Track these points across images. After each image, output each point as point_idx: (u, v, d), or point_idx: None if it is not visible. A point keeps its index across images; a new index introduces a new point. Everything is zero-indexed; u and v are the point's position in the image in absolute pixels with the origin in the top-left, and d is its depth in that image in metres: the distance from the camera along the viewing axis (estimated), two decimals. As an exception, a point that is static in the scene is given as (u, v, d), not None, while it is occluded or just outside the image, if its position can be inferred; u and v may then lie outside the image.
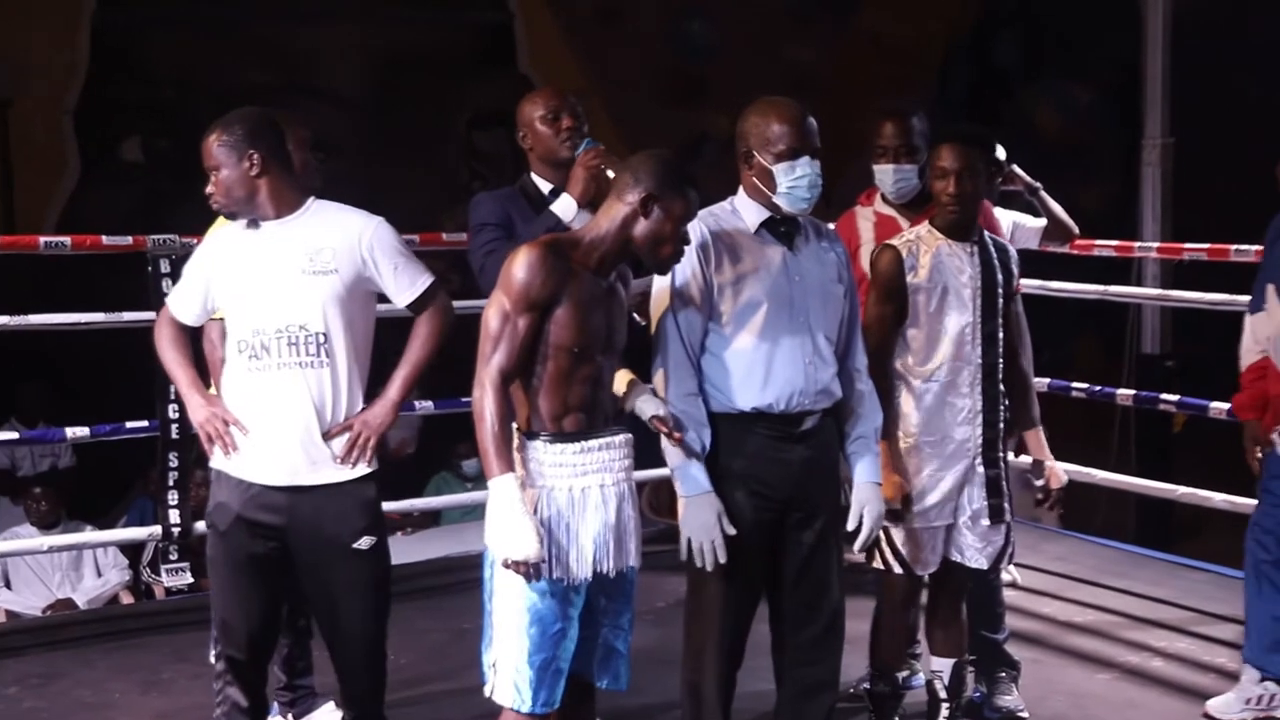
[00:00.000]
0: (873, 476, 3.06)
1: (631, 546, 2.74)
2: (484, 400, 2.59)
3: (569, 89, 3.56)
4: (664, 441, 2.92)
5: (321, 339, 2.89)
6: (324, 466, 2.91)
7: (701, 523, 2.90)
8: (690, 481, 2.91)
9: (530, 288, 2.61)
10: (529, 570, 2.57)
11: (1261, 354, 3.65)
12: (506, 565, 2.58)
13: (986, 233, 3.34)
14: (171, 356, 3.06)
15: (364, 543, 2.94)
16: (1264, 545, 3.66)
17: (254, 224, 2.96)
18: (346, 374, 2.92)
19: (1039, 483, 3.31)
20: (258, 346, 2.90)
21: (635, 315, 3.23)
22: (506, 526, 2.55)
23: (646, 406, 2.84)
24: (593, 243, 2.70)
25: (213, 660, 3.53)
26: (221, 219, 3.21)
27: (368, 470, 2.95)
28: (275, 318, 2.89)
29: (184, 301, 3.05)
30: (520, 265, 2.62)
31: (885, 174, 3.67)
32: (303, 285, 2.89)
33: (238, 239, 2.98)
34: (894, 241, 3.29)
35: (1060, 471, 3.33)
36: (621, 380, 2.88)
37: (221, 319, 3.08)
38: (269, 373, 2.89)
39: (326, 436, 2.90)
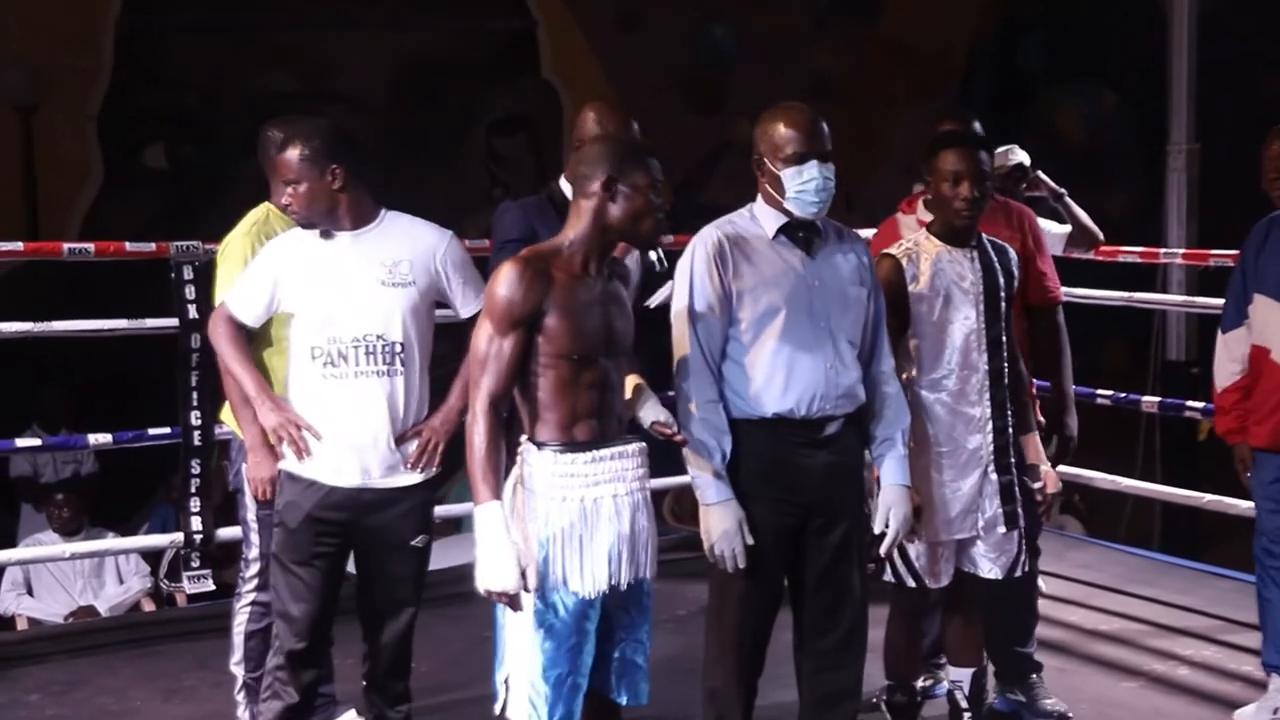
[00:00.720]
0: (900, 479, 3.04)
1: (646, 557, 2.70)
2: (473, 427, 2.59)
3: (604, 99, 3.58)
4: (685, 450, 2.91)
5: (399, 348, 3.02)
6: (396, 470, 3.05)
7: (723, 531, 2.89)
8: (711, 489, 2.90)
9: (512, 305, 2.58)
10: (509, 601, 2.56)
11: (1241, 373, 3.62)
12: (487, 595, 2.57)
13: (985, 235, 3.30)
14: (234, 356, 3.11)
15: (420, 540, 3.13)
16: (1270, 551, 3.63)
17: (327, 234, 3.03)
18: (419, 381, 3.07)
19: (1035, 486, 3.28)
20: (334, 354, 2.99)
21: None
22: (488, 556, 2.54)
23: (646, 414, 2.83)
24: (572, 246, 2.67)
25: (234, 670, 3.53)
26: (252, 220, 3.25)
27: (433, 473, 3.11)
28: (353, 327, 2.99)
29: (247, 302, 3.11)
30: (500, 283, 2.60)
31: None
32: (381, 296, 3.01)
33: (311, 247, 3.05)
34: (893, 250, 3.26)
35: (1055, 477, 3.30)
36: (630, 385, 2.86)
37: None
38: (346, 380, 3.00)
39: (399, 441, 3.04)
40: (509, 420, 2.66)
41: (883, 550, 3.07)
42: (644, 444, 2.72)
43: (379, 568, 3.14)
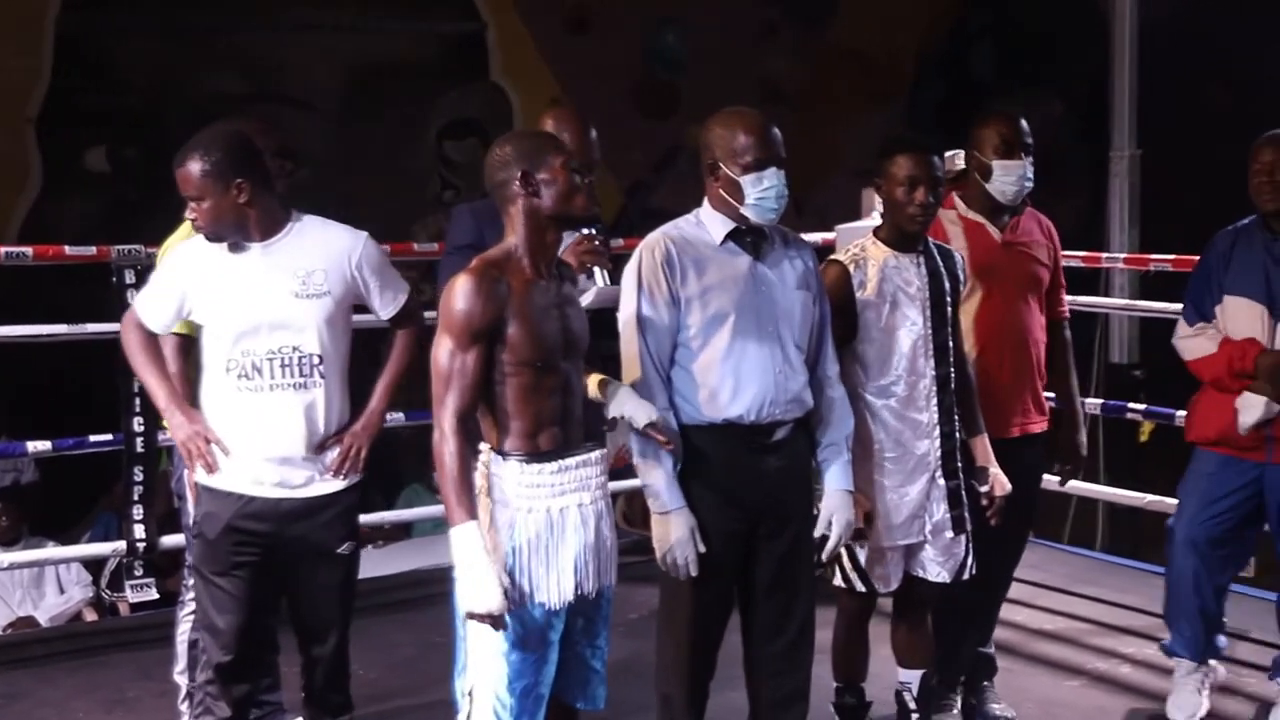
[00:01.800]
0: (843, 484, 3.05)
1: (609, 564, 2.70)
2: (442, 446, 2.54)
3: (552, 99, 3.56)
4: (635, 456, 2.91)
5: (316, 360, 2.96)
6: (315, 479, 2.99)
7: (676, 539, 2.89)
8: (664, 497, 2.90)
9: (472, 318, 2.54)
10: (494, 622, 2.53)
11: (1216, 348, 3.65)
12: (470, 617, 2.54)
13: (931, 240, 3.31)
14: (146, 365, 3.04)
15: (346, 548, 3.07)
16: (1194, 541, 3.71)
17: (237, 246, 2.95)
18: (338, 390, 3.01)
19: (983, 489, 3.30)
20: (248, 367, 2.92)
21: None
22: (469, 578, 2.51)
23: (639, 415, 2.80)
24: (518, 250, 2.64)
25: (177, 679, 3.50)
26: (184, 227, 3.19)
27: (357, 479, 3.05)
28: (267, 340, 2.92)
29: (155, 309, 3.03)
30: (457, 297, 2.55)
31: (1008, 170, 3.48)
32: (295, 309, 2.93)
33: (219, 258, 2.96)
34: (840, 256, 3.26)
35: (1004, 479, 3.31)
36: (593, 384, 2.85)
37: (179, 334, 3.08)
38: (261, 394, 2.93)
39: (318, 449, 2.97)
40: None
41: (825, 555, 3.08)
42: (605, 450, 2.70)
43: (306, 578, 3.05)
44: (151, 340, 3.04)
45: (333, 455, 2.99)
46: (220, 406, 2.97)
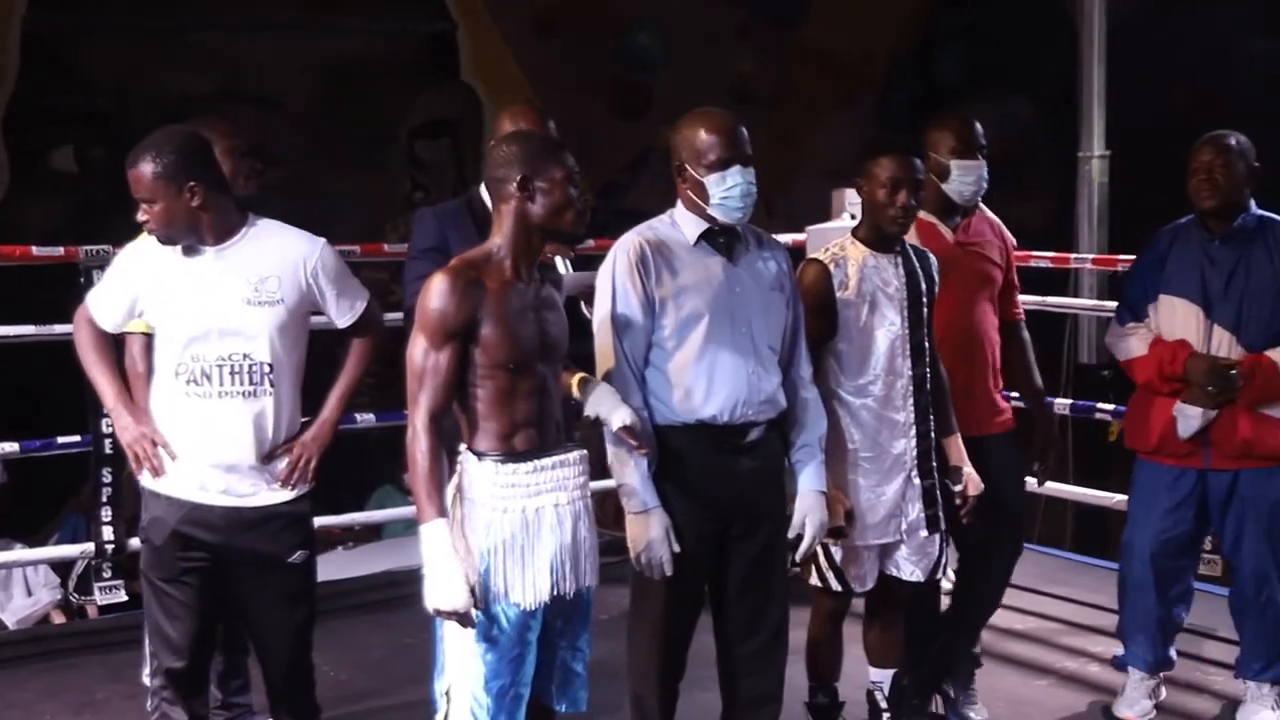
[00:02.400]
0: (816, 485, 3.06)
1: (588, 566, 2.69)
2: (414, 444, 2.55)
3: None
4: (610, 457, 2.91)
5: (267, 369, 2.90)
6: (263, 489, 2.93)
7: (651, 539, 2.89)
8: (638, 497, 2.90)
9: (446, 317, 2.54)
10: (460, 619, 2.53)
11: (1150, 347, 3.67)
12: (438, 614, 2.54)
13: (906, 241, 3.32)
14: (95, 364, 2.98)
15: (298, 557, 2.99)
16: (1154, 556, 3.73)
17: (190, 249, 2.90)
18: (289, 399, 2.95)
19: (956, 488, 3.32)
20: (198, 373, 2.88)
21: (584, 306, 3.23)
22: (436, 575, 2.51)
23: (615, 417, 2.80)
24: (500, 251, 2.64)
25: (146, 681, 3.48)
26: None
27: (306, 489, 2.98)
28: (218, 346, 2.87)
29: (106, 307, 2.98)
30: (432, 296, 2.55)
31: (966, 170, 3.50)
32: (247, 316, 2.88)
33: (173, 260, 2.91)
34: (820, 256, 3.27)
35: (977, 479, 3.33)
36: (572, 382, 2.85)
37: (145, 333, 3.02)
38: (210, 400, 2.88)
39: (267, 459, 2.92)
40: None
41: (799, 555, 3.08)
42: (584, 451, 2.69)
43: (257, 589, 2.99)
44: (102, 338, 2.98)
45: (282, 465, 2.94)
46: (168, 411, 2.92)
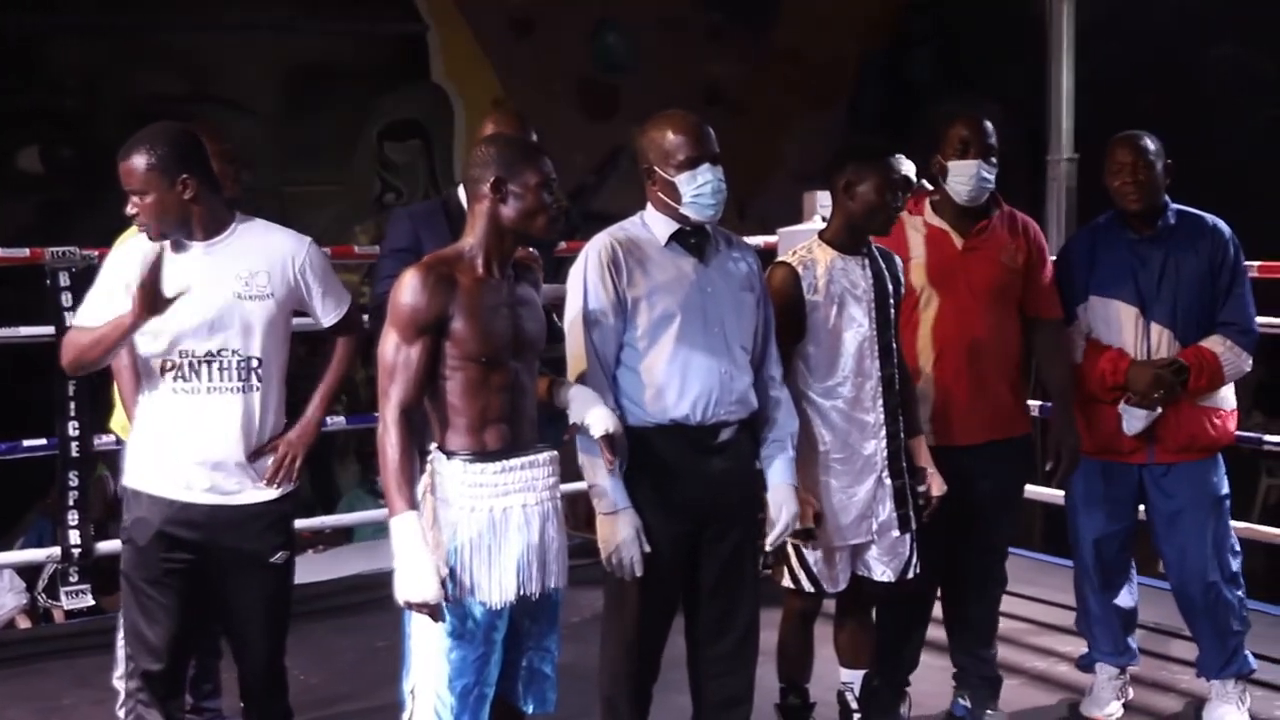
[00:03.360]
0: (789, 478, 3.07)
1: (556, 567, 2.69)
2: (385, 437, 2.57)
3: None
4: (580, 456, 2.91)
5: (255, 364, 2.90)
6: (248, 487, 2.93)
7: (622, 539, 2.89)
8: (609, 498, 2.90)
9: (417, 312, 2.56)
10: (430, 611, 2.54)
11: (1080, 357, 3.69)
12: (408, 607, 2.54)
13: (873, 242, 3.33)
14: (91, 332, 2.87)
15: (279, 557, 2.99)
16: (1101, 557, 3.78)
17: (179, 245, 2.88)
18: (276, 395, 2.95)
19: (921, 489, 3.33)
20: (185, 369, 2.86)
21: (555, 317, 3.23)
22: (406, 567, 2.52)
23: (596, 424, 2.79)
24: (473, 250, 2.66)
25: (116, 685, 3.45)
26: (132, 229, 3.14)
27: (291, 488, 2.98)
28: (207, 341, 2.86)
29: (100, 315, 2.89)
30: (404, 291, 2.58)
31: (960, 171, 3.51)
32: (237, 310, 2.88)
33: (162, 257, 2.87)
34: (788, 259, 3.29)
35: (940, 480, 3.35)
36: (541, 385, 2.84)
37: None
38: (198, 396, 2.87)
39: (253, 457, 2.91)
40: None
41: (768, 543, 3.09)
42: (555, 453, 2.70)
43: (238, 588, 2.97)
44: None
45: (267, 463, 2.93)
46: (155, 407, 2.90)
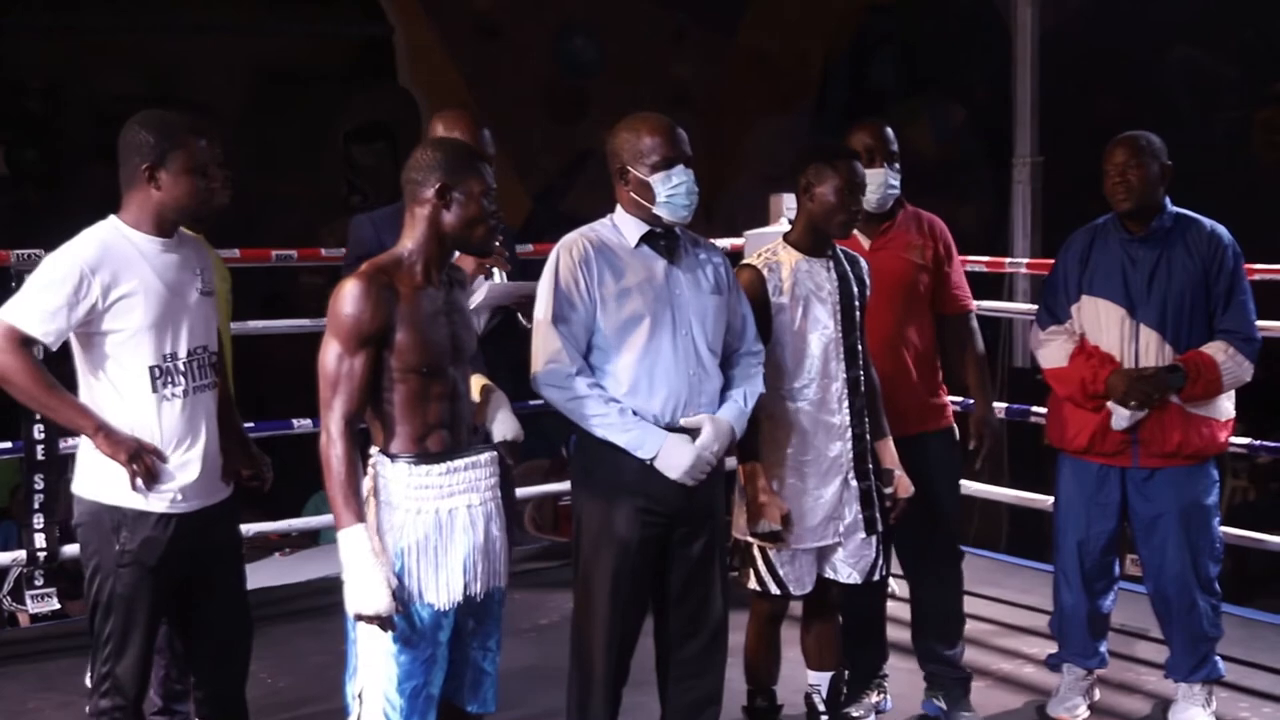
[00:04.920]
0: (729, 417, 3.03)
1: (500, 566, 2.71)
2: (330, 449, 2.55)
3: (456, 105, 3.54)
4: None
5: (215, 359, 2.94)
6: (222, 484, 2.96)
7: (693, 460, 2.93)
8: (650, 441, 2.92)
9: (360, 323, 2.55)
10: (382, 623, 2.54)
11: (1074, 352, 3.70)
12: (359, 619, 2.55)
13: (838, 245, 3.36)
14: (48, 392, 2.78)
15: (241, 548, 3.07)
16: (1090, 555, 3.79)
17: (151, 241, 2.83)
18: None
19: (888, 490, 3.35)
20: (172, 372, 2.83)
21: (520, 317, 3.23)
22: (357, 580, 2.52)
23: (498, 428, 2.83)
24: (411, 256, 2.65)
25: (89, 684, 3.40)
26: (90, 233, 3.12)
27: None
28: (188, 340, 2.86)
29: (51, 318, 2.76)
30: (345, 301, 2.56)
31: (873, 178, 3.54)
32: (202, 307, 2.90)
33: (130, 255, 2.80)
34: (754, 261, 3.31)
35: (907, 481, 3.37)
36: (476, 387, 2.85)
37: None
38: (188, 397, 2.85)
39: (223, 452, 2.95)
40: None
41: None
42: (495, 453, 2.72)
43: (223, 585, 2.99)
44: (38, 363, 2.81)
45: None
46: (143, 418, 2.82)
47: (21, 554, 4.39)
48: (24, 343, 2.75)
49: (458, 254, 2.78)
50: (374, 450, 2.64)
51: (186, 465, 2.86)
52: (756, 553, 3.26)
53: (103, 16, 8.28)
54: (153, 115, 2.87)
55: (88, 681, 3.38)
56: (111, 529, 2.83)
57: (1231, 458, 6.82)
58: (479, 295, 3.15)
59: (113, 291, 2.76)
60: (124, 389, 2.82)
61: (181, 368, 2.84)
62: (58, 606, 4.43)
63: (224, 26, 8.77)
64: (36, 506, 4.32)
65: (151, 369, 2.81)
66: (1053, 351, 3.74)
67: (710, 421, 2.99)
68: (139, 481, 2.78)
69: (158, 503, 2.84)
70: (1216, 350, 3.58)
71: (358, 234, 3.38)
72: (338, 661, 4.15)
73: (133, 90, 8.45)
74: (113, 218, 2.85)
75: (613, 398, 2.95)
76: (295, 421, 4.95)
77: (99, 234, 2.82)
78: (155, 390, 2.82)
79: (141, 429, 2.82)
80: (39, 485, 4.31)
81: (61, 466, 4.42)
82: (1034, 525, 6.89)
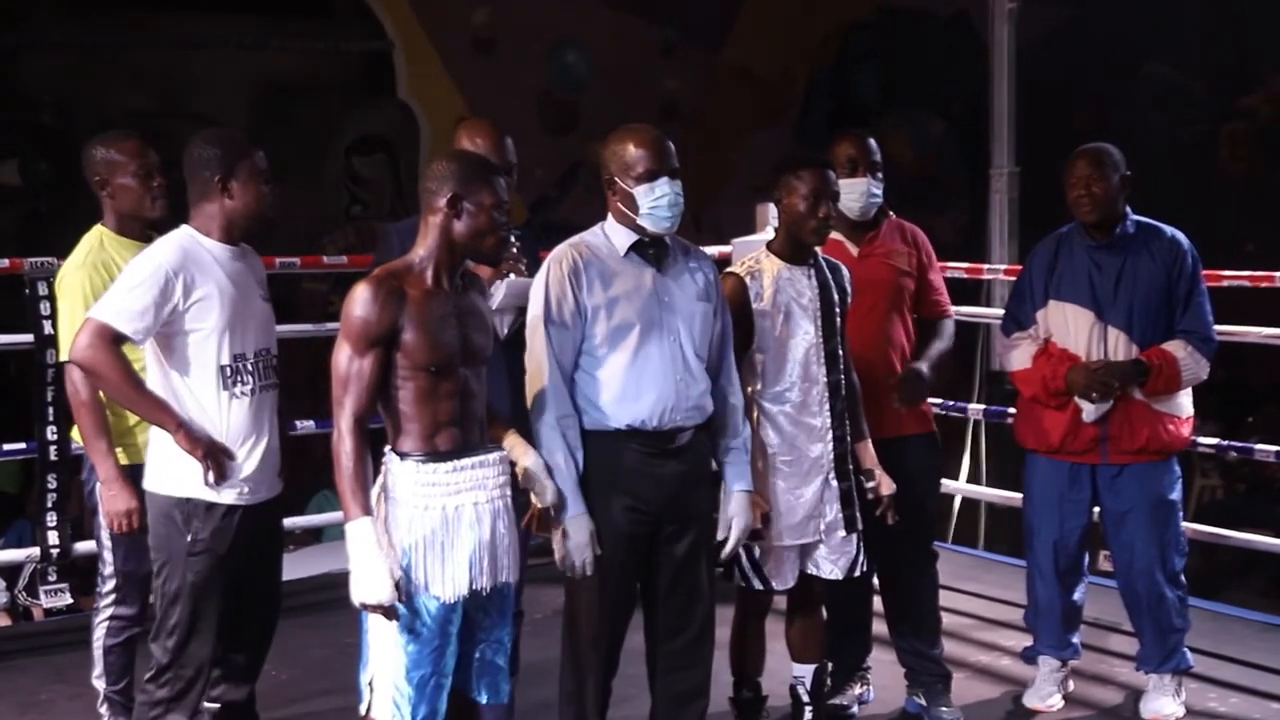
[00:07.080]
0: (744, 485, 3.15)
1: (507, 562, 2.77)
2: (339, 445, 2.65)
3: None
4: (529, 464, 2.93)
5: (275, 361, 3.08)
6: (278, 480, 3.11)
7: (575, 543, 2.98)
8: (564, 505, 2.98)
9: (368, 325, 2.64)
10: (385, 612, 2.64)
11: (1038, 354, 3.77)
12: (364, 607, 2.64)
13: (820, 253, 3.41)
14: (144, 391, 2.90)
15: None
16: (1063, 550, 3.86)
17: (222, 247, 2.99)
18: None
19: (869, 485, 3.40)
20: (242, 372, 2.96)
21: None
22: (362, 570, 2.61)
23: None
24: (422, 262, 2.73)
25: (95, 684, 3.44)
26: (86, 250, 3.24)
27: None
28: (254, 343, 3.00)
29: (140, 316, 2.86)
30: (355, 304, 2.65)
31: (851, 188, 3.61)
32: (264, 312, 3.06)
33: (204, 259, 2.94)
34: (736, 269, 3.37)
35: (889, 480, 3.41)
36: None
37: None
38: (254, 396, 2.99)
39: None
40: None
41: (724, 554, 3.17)
42: (505, 453, 2.80)
43: (269, 574, 3.18)
44: (128, 363, 2.91)
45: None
46: (216, 416, 2.96)
47: (35, 551, 4.46)
48: (115, 340, 2.86)
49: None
50: (386, 449, 2.73)
51: (251, 460, 2.98)
52: (740, 550, 3.29)
53: (113, 34, 8.36)
54: (214, 133, 3.03)
55: (93, 680, 3.47)
56: (183, 521, 2.95)
57: (1201, 458, 6.91)
58: (498, 296, 3.23)
59: (193, 293, 2.90)
60: (196, 387, 2.94)
61: (249, 368, 2.96)
62: (70, 601, 4.48)
63: (230, 43, 8.85)
64: (50, 505, 4.37)
65: (222, 368, 2.94)
66: (1019, 355, 3.82)
67: (728, 498, 3.13)
68: (210, 476, 2.90)
69: (228, 494, 2.96)
70: (1177, 348, 3.68)
71: (385, 244, 3.45)
72: (338, 655, 4.22)
73: (142, 104, 8.51)
74: (185, 226, 3.00)
75: (571, 448, 2.98)
76: (298, 423, 5.07)
77: (178, 239, 2.97)
78: (225, 388, 2.94)
79: (211, 425, 2.94)
80: (52, 485, 4.36)
81: (73, 467, 4.52)
82: (1010, 522, 6.98)
